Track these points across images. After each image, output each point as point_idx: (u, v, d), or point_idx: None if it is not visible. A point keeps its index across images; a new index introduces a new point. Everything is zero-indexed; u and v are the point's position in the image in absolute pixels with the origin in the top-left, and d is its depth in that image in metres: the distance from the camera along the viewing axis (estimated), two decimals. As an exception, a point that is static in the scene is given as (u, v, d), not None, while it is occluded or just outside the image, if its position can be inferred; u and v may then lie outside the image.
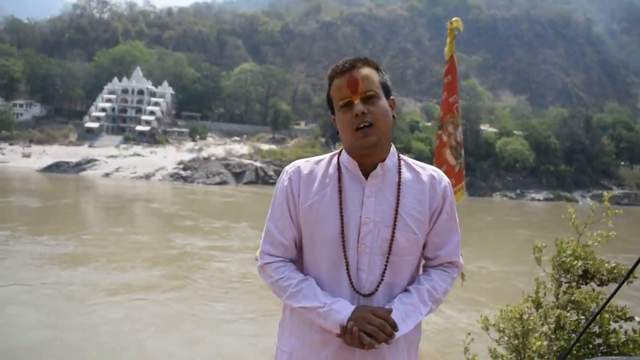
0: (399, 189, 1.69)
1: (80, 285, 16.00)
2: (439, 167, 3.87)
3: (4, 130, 69.68)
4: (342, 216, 1.65)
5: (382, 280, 1.66)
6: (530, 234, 30.94)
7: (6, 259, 18.15)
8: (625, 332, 3.51)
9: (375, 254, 1.65)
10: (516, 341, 3.62)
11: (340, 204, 1.66)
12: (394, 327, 1.57)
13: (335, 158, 1.75)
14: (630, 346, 3.34)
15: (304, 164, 1.75)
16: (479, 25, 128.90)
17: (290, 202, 1.70)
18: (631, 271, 2.16)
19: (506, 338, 3.72)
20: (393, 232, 1.65)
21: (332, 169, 1.72)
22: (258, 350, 11.81)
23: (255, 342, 13.10)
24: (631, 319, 3.61)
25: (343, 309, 1.58)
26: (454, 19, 3.60)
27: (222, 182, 58.04)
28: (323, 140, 74.94)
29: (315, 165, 1.75)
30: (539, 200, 68.49)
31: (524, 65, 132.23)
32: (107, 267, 18.74)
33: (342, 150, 1.76)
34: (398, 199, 1.67)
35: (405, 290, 1.71)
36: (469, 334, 4.45)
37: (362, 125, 1.60)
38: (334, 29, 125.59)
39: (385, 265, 1.66)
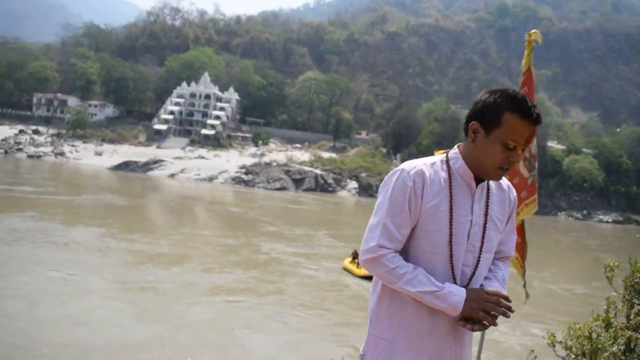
0: (488, 196, 1.93)
1: (178, 285, 16.60)
2: (512, 178, 3.88)
3: (79, 129, 73.34)
4: (451, 218, 1.83)
5: (474, 273, 1.90)
6: (604, 256, 29.76)
7: (108, 256, 19.06)
8: None
9: (476, 251, 1.89)
10: (583, 359, 3.57)
11: (451, 206, 1.83)
12: (508, 299, 1.81)
13: (445, 164, 1.89)
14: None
15: (425, 167, 1.85)
16: (549, 38, 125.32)
17: (412, 201, 1.81)
18: None
19: (573, 356, 3.68)
20: (485, 232, 1.90)
21: (445, 174, 1.86)
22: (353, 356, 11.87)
23: (349, 348, 13.23)
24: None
25: (459, 291, 1.78)
26: (533, 30, 3.62)
27: (282, 188, 58.81)
28: (384, 150, 74.70)
29: (431, 168, 1.87)
30: (607, 222, 65.64)
31: (595, 81, 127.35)
32: (201, 268, 19.36)
33: (447, 154, 1.92)
34: (487, 204, 1.91)
35: (485, 277, 1.96)
36: (532, 350, 4.41)
37: (506, 168, 1.82)
38: (399, 39, 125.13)
39: (478, 260, 1.90)
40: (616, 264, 4.07)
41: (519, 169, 3.86)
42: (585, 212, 67.13)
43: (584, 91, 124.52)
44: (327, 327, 14.76)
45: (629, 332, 3.60)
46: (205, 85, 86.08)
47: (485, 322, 1.78)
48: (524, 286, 3.94)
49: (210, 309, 14.52)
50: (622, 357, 3.45)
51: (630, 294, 3.82)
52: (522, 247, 3.90)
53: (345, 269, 22.51)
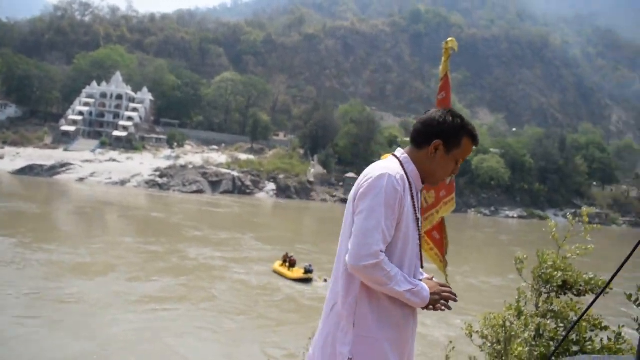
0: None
1: (104, 296, 15.73)
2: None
3: (-24, 130, 68.44)
4: (417, 217, 1.99)
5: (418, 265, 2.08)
6: (515, 249, 31.47)
7: (24, 268, 17.75)
8: (601, 340, 3.70)
9: (418, 245, 2.05)
10: (499, 347, 3.78)
11: (414, 206, 1.98)
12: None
13: (401, 168, 1.99)
14: (606, 354, 3.52)
15: (402, 172, 1.96)
16: (459, 44, 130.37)
17: (398, 205, 1.88)
18: (609, 283, 2.32)
19: (489, 344, 3.88)
20: (419, 227, 2.06)
21: (405, 177, 1.97)
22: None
23: (284, 350, 13.07)
24: (606, 328, 3.80)
25: (425, 287, 1.92)
26: (450, 39, 3.78)
27: (199, 191, 57.76)
28: (302, 151, 75.08)
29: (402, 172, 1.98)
30: (512, 217, 69.47)
31: (502, 85, 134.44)
32: (127, 277, 18.50)
33: (400, 159, 2.02)
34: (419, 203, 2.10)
35: None
36: (451, 342, 4.61)
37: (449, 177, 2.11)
38: (316, 41, 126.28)
39: (421, 253, 2.08)
40: (525, 256, 4.33)
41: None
42: (493, 208, 70.69)
43: (491, 94, 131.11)
44: (261, 332, 14.67)
45: (538, 318, 3.85)
46: (117, 85, 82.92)
47: (442, 308, 1.98)
48: (446, 280, 4.11)
49: (140, 319, 14.01)
50: (533, 343, 3.68)
51: (538, 284, 4.08)
52: (441, 243, 4.06)
53: (277, 272, 22.45)
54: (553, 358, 3.68)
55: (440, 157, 1.97)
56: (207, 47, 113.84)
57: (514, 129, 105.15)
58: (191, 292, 17.56)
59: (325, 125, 74.18)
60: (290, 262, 22.67)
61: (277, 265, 23.04)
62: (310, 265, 22.21)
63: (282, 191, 63.54)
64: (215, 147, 79.03)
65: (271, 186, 64.19)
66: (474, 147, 2.03)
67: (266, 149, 78.65)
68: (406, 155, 2.01)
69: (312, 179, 67.10)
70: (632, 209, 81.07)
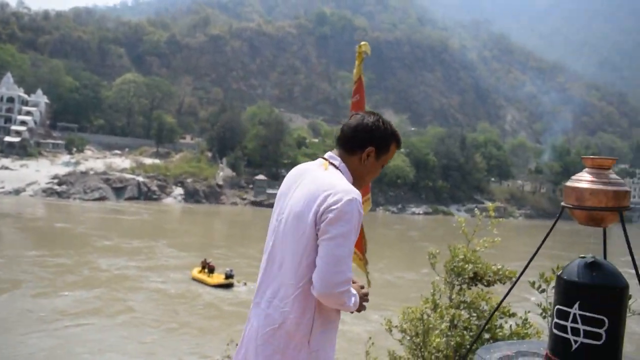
0: None
1: (9, 314, 14.46)
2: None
3: None
4: None
5: None
6: (425, 244, 32.56)
7: None
8: (510, 326, 3.94)
9: None
10: (418, 339, 3.92)
11: None
12: None
13: None
14: (515, 339, 3.75)
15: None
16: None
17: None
18: (521, 273, 2.47)
19: (408, 337, 4.02)
20: None
21: None
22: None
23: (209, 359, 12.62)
24: (514, 315, 4.05)
25: (356, 293, 1.88)
26: (362, 43, 3.85)
27: (102, 198, 55.29)
28: (210, 154, 73.86)
29: None
30: (419, 214, 72.12)
31: (405, 86, 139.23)
32: (35, 293, 17.16)
33: (339, 169, 1.96)
34: None
35: None
36: (370, 337, 4.73)
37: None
38: (222, 42, 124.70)
39: None
40: (437, 251, 4.52)
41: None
42: (400, 205, 73.08)
43: (395, 96, 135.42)
44: (185, 340, 14.29)
45: (453, 310, 4.04)
46: (7, 87, 77.49)
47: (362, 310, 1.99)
48: (367, 278, 4.20)
49: (52, 337, 13.14)
50: (449, 333, 3.86)
51: (450, 277, 4.28)
52: (360, 242, 4.14)
53: (196, 279, 22.09)
54: (467, 345, 3.88)
55: (371, 163, 1.98)
56: (107, 47, 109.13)
57: (413, 128, 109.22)
58: (106, 305, 16.79)
59: (233, 127, 73.40)
60: (209, 268, 22.40)
61: (196, 271, 22.65)
62: (231, 271, 22.06)
63: (191, 195, 62.20)
64: (118, 151, 75.93)
65: (179, 191, 62.66)
66: (398, 150, 2.08)
67: (172, 153, 76.61)
68: (344, 164, 1.96)
69: (221, 182, 66.17)
70: (526, 202, 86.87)
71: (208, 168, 67.78)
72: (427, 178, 78.86)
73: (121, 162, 68.72)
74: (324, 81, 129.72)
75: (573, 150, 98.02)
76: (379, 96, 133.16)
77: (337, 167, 1.94)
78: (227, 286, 21.47)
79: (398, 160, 74.94)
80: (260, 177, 66.91)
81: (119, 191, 58.22)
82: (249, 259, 27.13)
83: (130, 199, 56.99)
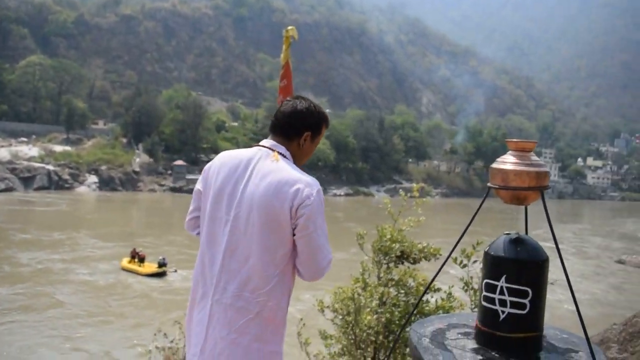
0: None
1: None
2: (276, 164, 4.12)
3: None
4: None
5: None
6: (352, 225, 33.06)
7: None
8: (436, 301, 4.15)
9: None
10: (350, 318, 4.05)
11: None
12: None
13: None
14: (440, 312, 3.96)
15: None
16: (282, 28, 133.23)
17: None
18: (452, 250, 2.61)
19: (340, 317, 4.14)
20: None
21: None
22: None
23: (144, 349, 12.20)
24: (439, 290, 4.26)
25: None
26: (290, 27, 3.87)
27: (8, 189, 52.13)
28: (125, 140, 71.18)
29: None
30: (340, 195, 73.24)
31: (324, 69, 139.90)
32: None
33: (284, 156, 2.02)
34: None
35: None
36: (301, 319, 4.81)
37: None
38: (135, 23, 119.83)
39: None
40: (365, 232, 4.66)
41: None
42: (322, 187, 73.84)
43: (314, 78, 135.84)
44: (119, 332, 13.86)
45: (381, 288, 4.19)
46: None
47: None
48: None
49: None
50: (379, 310, 4.02)
51: (378, 256, 4.43)
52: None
53: (127, 269, 21.66)
54: (396, 321, 4.05)
55: (307, 146, 2.09)
56: (9, 28, 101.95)
57: (329, 111, 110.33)
58: (33, 300, 16.00)
59: (148, 111, 70.99)
60: (139, 258, 22.05)
61: (126, 262, 22.21)
62: (164, 259, 21.80)
63: (106, 183, 59.88)
64: (24, 139, 71.52)
65: (93, 179, 60.13)
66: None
67: (84, 139, 73.11)
68: (289, 152, 2.04)
69: (137, 169, 64.05)
70: (442, 181, 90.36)
71: (123, 154, 65.35)
72: (347, 160, 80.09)
73: (28, 150, 64.79)
74: (242, 64, 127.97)
75: (485, 131, 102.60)
76: (298, 79, 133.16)
77: (284, 156, 2.00)
78: (160, 275, 21.24)
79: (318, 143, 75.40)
80: (179, 162, 65.33)
81: (27, 181, 55.12)
82: (178, 247, 26.83)
83: (40, 189, 54.15)
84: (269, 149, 2.01)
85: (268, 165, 1.93)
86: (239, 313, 1.87)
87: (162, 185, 63.05)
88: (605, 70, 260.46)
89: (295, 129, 2.05)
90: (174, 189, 61.77)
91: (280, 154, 1.99)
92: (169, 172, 65.15)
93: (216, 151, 74.57)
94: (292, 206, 1.86)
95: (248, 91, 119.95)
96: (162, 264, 21.57)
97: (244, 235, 1.89)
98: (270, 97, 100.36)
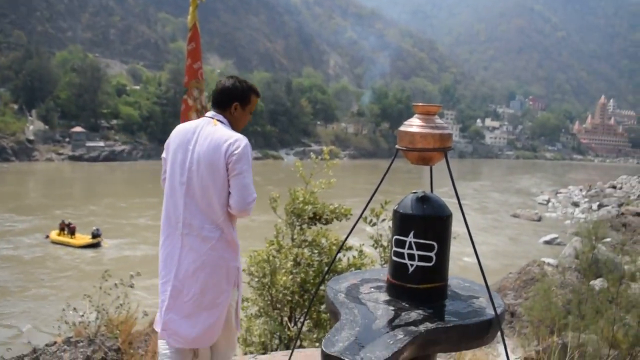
0: None
1: None
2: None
3: None
4: None
5: None
6: (269, 188, 33.00)
7: None
8: (348, 259, 4.31)
9: None
10: (265, 280, 4.13)
11: None
12: None
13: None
14: (353, 269, 4.12)
15: None
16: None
17: None
18: (363, 211, 2.72)
19: (256, 279, 4.21)
20: None
21: None
22: None
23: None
24: (350, 248, 4.43)
25: None
26: (197, -12, 3.78)
27: None
28: (15, 106, 65.91)
29: None
30: (250, 159, 72.65)
31: (230, 30, 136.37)
32: None
33: (221, 122, 2.58)
34: None
35: None
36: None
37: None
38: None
39: None
40: (278, 195, 4.73)
41: (192, 120, 4.09)
42: (230, 153, 72.86)
43: (220, 39, 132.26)
44: (54, 306, 13.15)
45: (295, 249, 4.30)
46: None
47: None
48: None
49: None
50: (294, 271, 4.12)
51: (291, 218, 4.52)
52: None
53: (58, 242, 21.02)
54: (311, 280, 4.17)
55: (239, 113, 2.64)
56: None
57: (236, 73, 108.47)
58: None
59: (41, 75, 66.14)
60: (70, 230, 21.42)
61: (55, 234, 21.46)
62: (97, 229, 21.41)
63: (-3, 153, 55.78)
64: None
65: (-19, 149, 55.80)
66: (258, 98, 2.72)
67: (-32, 106, 67.32)
68: (226, 120, 2.59)
69: (32, 137, 59.87)
70: (350, 143, 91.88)
71: (15, 122, 60.71)
72: (256, 123, 79.36)
73: None
74: (142, 23, 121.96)
75: (390, 94, 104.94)
76: (203, 40, 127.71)
77: (222, 122, 2.57)
78: (95, 245, 20.94)
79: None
80: (78, 129, 61.74)
81: None
82: (101, 216, 26.00)
83: None
84: (210, 118, 2.58)
85: (209, 130, 2.51)
86: (204, 241, 2.46)
87: (60, 154, 59.51)
88: (502, 35, 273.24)
89: (225, 101, 2.61)
90: (73, 158, 58.55)
91: (219, 120, 2.56)
92: (67, 139, 61.51)
93: (117, 116, 70.58)
94: (226, 154, 2.43)
95: (150, 53, 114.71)
96: (96, 235, 21.26)
97: (197, 183, 2.46)
98: (173, 58, 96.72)
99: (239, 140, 2.46)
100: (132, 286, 5.00)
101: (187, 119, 4.09)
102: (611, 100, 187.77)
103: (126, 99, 71.33)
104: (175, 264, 2.49)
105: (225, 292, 2.50)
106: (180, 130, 2.60)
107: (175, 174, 2.52)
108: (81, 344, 4.44)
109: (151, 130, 66.80)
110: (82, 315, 4.81)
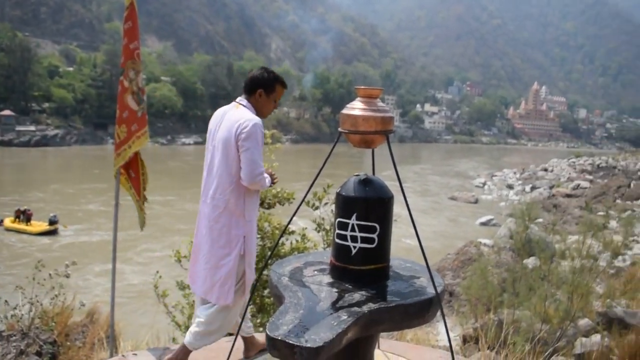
0: None
1: None
2: (122, 112, 3.93)
3: None
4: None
5: None
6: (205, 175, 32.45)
7: None
8: (291, 243, 4.31)
9: None
10: (207, 265, 4.05)
11: None
12: None
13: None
14: (296, 253, 4.13)
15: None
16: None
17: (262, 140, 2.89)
18: (305, 195, 2.72)
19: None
20: None
21: None
22: None
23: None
24: (293, 232, 4.43)
25: (267, 176, 2.98)
26: (133, -33, 3.66)
27: None
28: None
29: None
30: (189, 144, 71.43)
31: (169, 11, 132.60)
32: None
33: (245, 106, 2.96)
34: None
35: None
36: (157, 272, 4.74)
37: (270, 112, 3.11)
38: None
39: None
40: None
41: (128, 102, 3.96)
42: (169, 137, 71.30)
43: (158, 20, 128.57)
44: (6, 296, 12.41)
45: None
46: None
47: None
48: (143, 218, 4.15)
49: None
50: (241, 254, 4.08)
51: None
52: (138, 181, 4.06)
53: (13, 229, 20.42)
54: (257, 265, 4.14)
55: (263, 100, 2.99)
56: None
57: (175, 55, 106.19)
58: None
59: (-34, 55, 62.56)
60: (26, 216, 20.77)
61: (10, 221, 20.82)
62: (54, 216, 20.83)
63: None
64: None
65: None
66: (285, 89, 3.06)
67: None
68: (248, 102, 2.97)
69: (-44, 121, 56.68)
70: (292, 127, 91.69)
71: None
72: (196, 107, 77.98)
73: None
74: (76, 2, 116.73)
75: (332, 78, 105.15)
76: (140, 21, 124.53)
77: (244, 106, 2.95)
78: (52, 232, 20.42)
79: (164, 90, 72.36)
80: (6, 112, 58.65)
81: None
82: (52, 202, 25.11)
83: None
84: (237, 102, 2.97)
85: (232, 112, 2.93)
86: (214, 209, 2.90)
87: (-12, 139, 56.52)
88: (442, 21, 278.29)
89: (251, 87, 2.98)
90: (2, 143, 55.67)
91: (242, 104, 2.95)
92: (-5, 123, 58.47)
93: (50, 99, 67.78)
94: (236, 133, 2.79)
95: (84, 33, 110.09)
96: (53, 221, 20.74)
97: (215, 158, 2.91)
98: (109, 39, 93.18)
99: (249, 121, 2.80)
100: (67, 276, 4.84)
101: (123, 101, 3.96)
102: (543, 87, 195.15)
103: (59, 81, 68.30)
104: (197, 226, 3.01)
105: (227, 256, 2.86)
106: (215, 114, 3.05)
107: (208, 152, 3.00)
108: (14, 337, 4.27)
109: (86, 114, 64.28)
110: (15, 308, 4.63)
